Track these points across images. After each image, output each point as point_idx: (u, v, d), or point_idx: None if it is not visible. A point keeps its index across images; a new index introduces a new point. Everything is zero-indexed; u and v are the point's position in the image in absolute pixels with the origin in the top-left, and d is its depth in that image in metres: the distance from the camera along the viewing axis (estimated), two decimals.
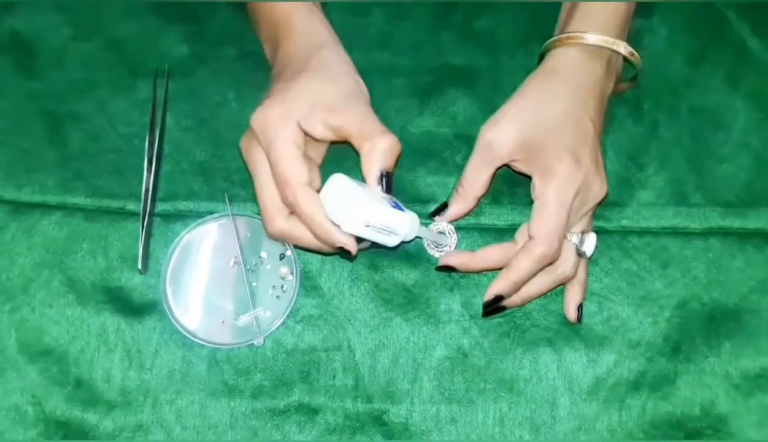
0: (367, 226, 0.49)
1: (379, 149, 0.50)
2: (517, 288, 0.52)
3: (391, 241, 0.51)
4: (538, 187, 0.51)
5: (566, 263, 0.53)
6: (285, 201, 0.49)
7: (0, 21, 0.62)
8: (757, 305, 0.55)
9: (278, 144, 0.49)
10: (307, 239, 0.50)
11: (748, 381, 0.54)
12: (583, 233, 0.53)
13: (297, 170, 0.48)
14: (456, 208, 0.55)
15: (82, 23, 0.62)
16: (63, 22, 0.62)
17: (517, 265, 0.51)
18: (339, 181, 0.49)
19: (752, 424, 0.53)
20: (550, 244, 0.50)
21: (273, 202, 0.50)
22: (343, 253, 0.50)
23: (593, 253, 0.53)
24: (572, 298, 0.55)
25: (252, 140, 0.51)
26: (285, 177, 0.48)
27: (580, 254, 0.53)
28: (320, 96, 0.50)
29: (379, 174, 0.50)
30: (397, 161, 0.52)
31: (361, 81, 0.54)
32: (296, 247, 0.54)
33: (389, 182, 0.50)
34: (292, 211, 0.49)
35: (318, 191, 0.49)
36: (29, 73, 0.61)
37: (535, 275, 0.52)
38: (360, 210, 0.48)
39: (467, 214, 0.56)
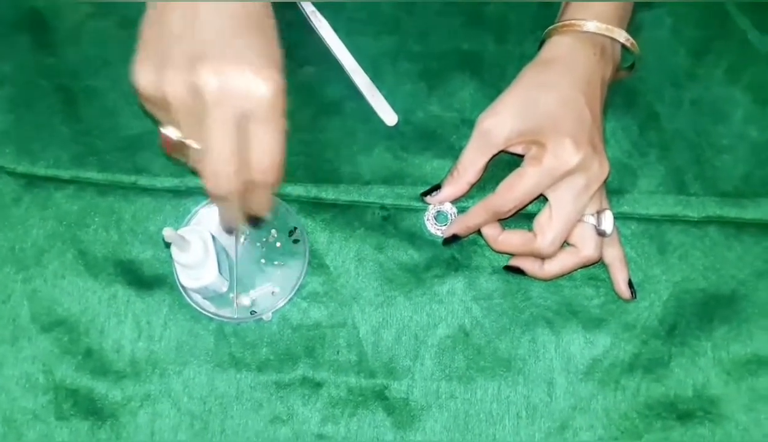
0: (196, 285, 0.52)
1: None
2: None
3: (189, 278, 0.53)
4: (528, 163, 0.52)
5: (587, 245, 0.53)
6: None
7: None
8: (751, 292, 0.56)
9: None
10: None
11: (740, 366, 0.55)
12: (598, 212, 0.53)
13: None
14: (448, 191, 0.56)
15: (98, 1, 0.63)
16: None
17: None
18: (206, 238, 0.52)
19: (742, 407, 0.54)
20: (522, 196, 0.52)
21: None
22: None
23: (613, 229, 0.53)
24: (618, 276, 0.55)
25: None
26: None
27: (600, 234, 0.53)
28: None
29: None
30: None
31: None
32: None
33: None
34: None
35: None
36: (46, 49, 0.61)
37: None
38: (207, 276, 0.52)
39: (459, 198, 0.56)
